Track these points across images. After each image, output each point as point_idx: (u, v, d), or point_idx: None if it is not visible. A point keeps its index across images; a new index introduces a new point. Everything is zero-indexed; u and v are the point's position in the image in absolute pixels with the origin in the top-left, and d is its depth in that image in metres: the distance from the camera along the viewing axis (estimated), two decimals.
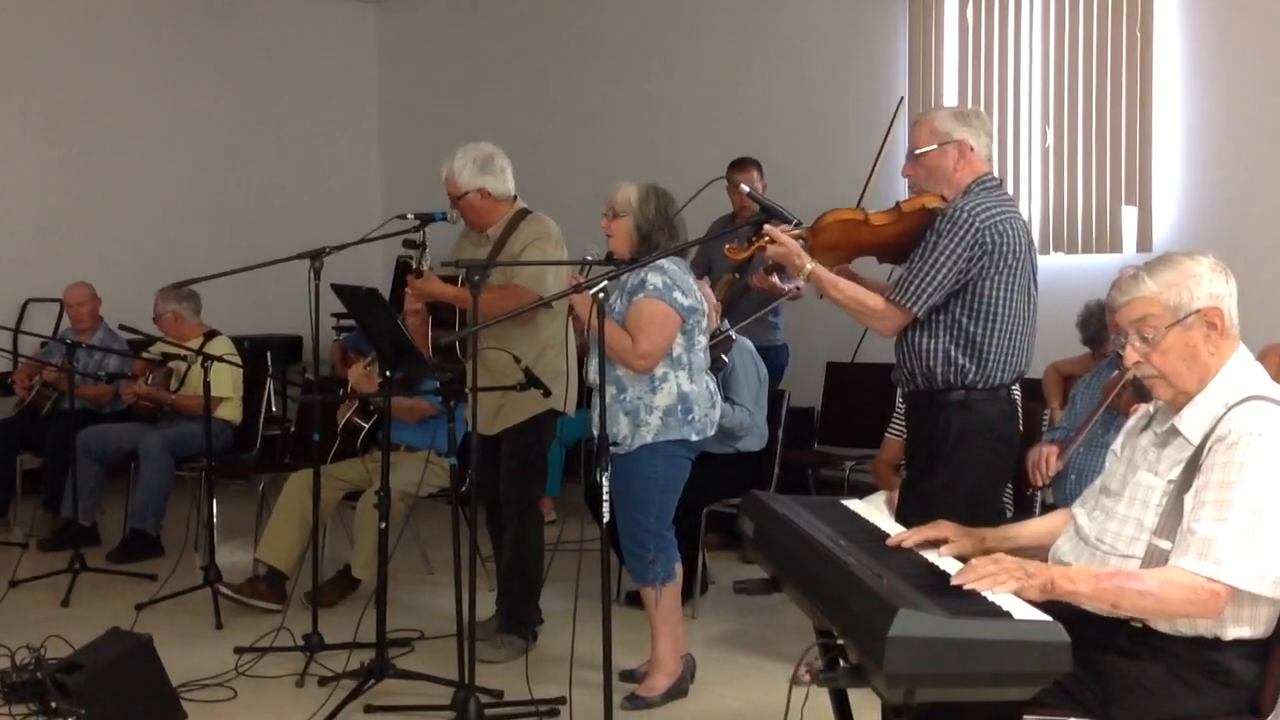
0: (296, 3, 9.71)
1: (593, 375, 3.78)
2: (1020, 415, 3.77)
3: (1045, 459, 4.29)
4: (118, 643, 3.94)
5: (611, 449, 3.87)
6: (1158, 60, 6.13)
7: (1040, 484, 4.30)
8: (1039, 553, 2.77)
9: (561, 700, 3.98)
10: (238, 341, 6.80)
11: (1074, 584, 2.38)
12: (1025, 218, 3.82)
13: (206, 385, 5.34)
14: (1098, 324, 4.79)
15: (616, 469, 3.90)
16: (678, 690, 4.20)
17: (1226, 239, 5.63)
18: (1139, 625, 2.49)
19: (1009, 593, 2.29)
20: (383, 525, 4.26)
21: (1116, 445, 2.79)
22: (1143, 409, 2.81)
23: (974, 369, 3.59)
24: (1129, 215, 6.29)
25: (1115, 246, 6.31)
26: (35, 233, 8.31)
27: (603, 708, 3.49)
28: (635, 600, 4.56)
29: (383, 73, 10.18)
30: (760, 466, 5.37)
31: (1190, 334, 2.52)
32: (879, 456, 4.89)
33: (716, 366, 4.78)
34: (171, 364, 6.16)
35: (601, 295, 3.42)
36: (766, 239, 3.56)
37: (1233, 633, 2.45)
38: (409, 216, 4.46)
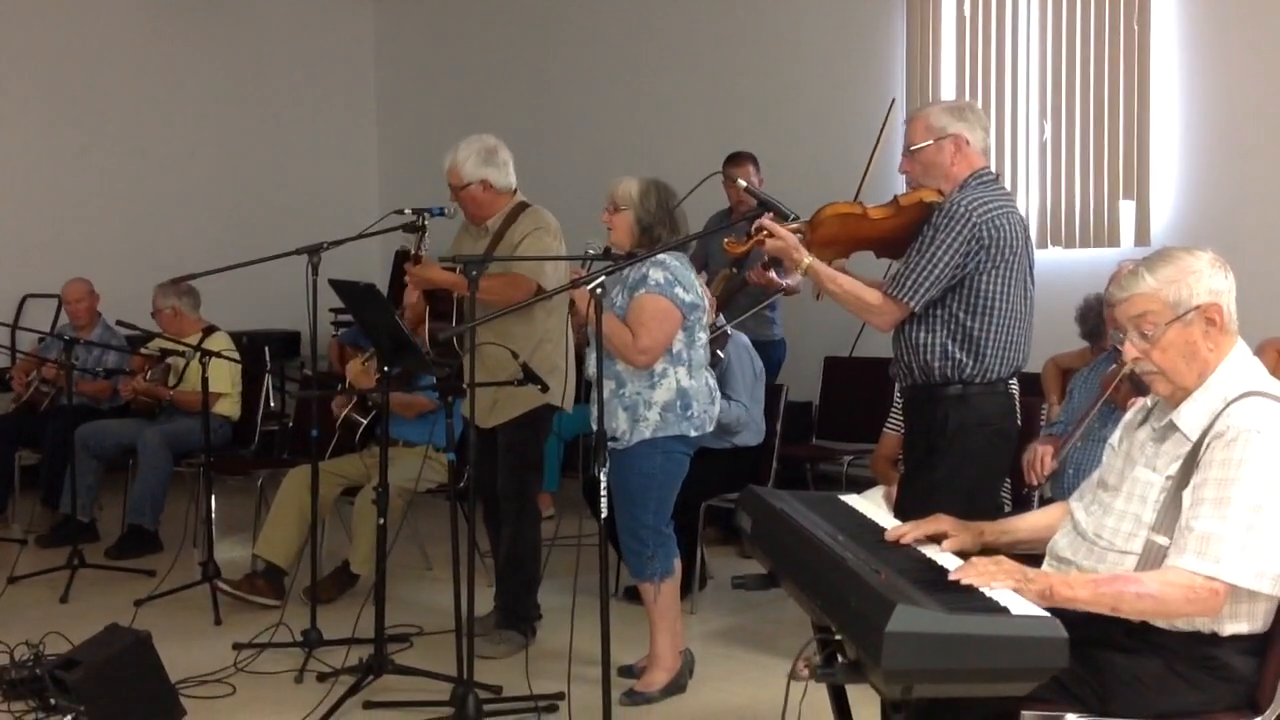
0: None
1: (592, 369, 3.78)
2: (1018, 409, 3.76)
3: (1040, 458, 4.29)
4: (116, 639, 3.94)
5: (610, 444, 3.87)
6: (1155, 54, 6.14)
7: (1036, 483, 4.30)
8: (1038, 546, 2.77)
9: (560, 696, 3.98)
10: (236, 337, 6.79)
11: (1073, 590, 2.37)
12: (1023, 212, 3.83)
13: (205, 381, 5.33)
14: (1096, 318, 4.79)
15: (615, 464, 3.90)
16: (676, 686, 4.20)
17: (1224, 233, 5.64)
18: (1137, 620, 2.48)
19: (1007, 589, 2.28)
20: (381, 521, 4.25)
21: (1114, 439, 2.78)
22: (1140, 403, 2.81)
23: (971, 363, 3.58)
24: (1126, 209, 6.30)
25: (1113, 240, 6.32)
26: (33, 228, 8.29)
27: (601, 703, 3.49)
28: (634, 596, 4.56)
29: (380, 68, 10.16)
30: (758, 461, 5.38)
31: (1190, 330, 2.51)
32: (877, 451, 4.90)
33: (711, 362, 4.78)
34: (170, 360, 6.14)
35: (599, 291, 3.42)
36: (765, 233, 3.56)
37: (1230, 628, 2.45)
38: (407, 212, 4.47)
